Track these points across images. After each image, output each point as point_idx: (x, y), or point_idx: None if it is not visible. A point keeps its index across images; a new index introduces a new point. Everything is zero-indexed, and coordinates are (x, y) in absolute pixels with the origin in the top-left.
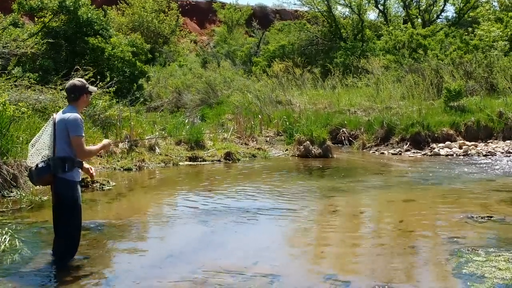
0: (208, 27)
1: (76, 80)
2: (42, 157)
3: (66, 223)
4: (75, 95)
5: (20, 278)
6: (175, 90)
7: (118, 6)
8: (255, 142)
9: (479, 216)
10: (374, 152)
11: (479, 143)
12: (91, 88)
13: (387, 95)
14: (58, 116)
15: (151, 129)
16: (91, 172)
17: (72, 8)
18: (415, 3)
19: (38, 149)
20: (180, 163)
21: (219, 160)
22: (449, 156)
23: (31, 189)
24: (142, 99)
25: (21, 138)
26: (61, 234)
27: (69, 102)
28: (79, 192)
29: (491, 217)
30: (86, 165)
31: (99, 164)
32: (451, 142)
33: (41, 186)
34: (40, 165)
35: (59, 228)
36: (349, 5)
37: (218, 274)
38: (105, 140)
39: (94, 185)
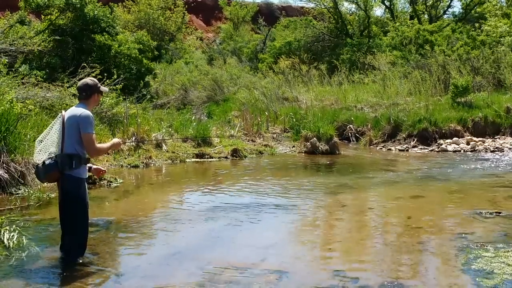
0: (214, 24)
1: (88, 79)
2: (48, 154)
3: (73, 220)
4: (87, 94)
5: (28, 275)
6: (182, 87)
7: (124, 3)
8: (261, 139)
9: (487, 212)
10: (381, 148)
11: (487, 139)
12: (103, 88)
13: (394, 91)
14: (68, 113)
15: (158, 126)
16: (102, 170)
17: (78, 6)
18: None
19: (45, 146)
20: (187, 160)
21: (226, 157)
22: (457, 152)
23: (39, 187)
24: (148, 96)
25: (28, 136)
26: (69, 231)
27: (80, 100)
28: (86, 189)
29: (500, 213)
30: (94, 166)
31: (107, 161)
32: (459, 138)
33: (48, 183)
34: (47, 162)
35: (67, 225)
36: (355, 1)
37: (226, 270)
38: (114, 139)
39: (101, 182)
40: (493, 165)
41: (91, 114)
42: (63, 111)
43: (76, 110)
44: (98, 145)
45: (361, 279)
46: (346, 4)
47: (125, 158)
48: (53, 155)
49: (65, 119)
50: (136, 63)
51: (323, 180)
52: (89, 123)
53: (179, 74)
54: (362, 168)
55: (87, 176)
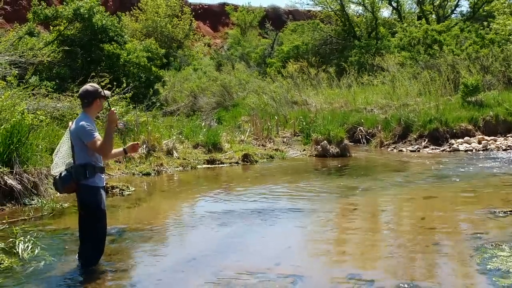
0: (221, 30)
1: (88, 85)
2: (66, 165)
3: (91, 229)
4: (88, 101)
5: (43, 285)
6: (191, 93)
7: (131, 12)
8: (272, 143)
9: (501, 211)
10: (392, 149)
11: (498, 137)
12: (105, 92)
13: (404, 92)
14: (73, 124)
15: (168, 133)
16: (136, 144)
17: (86, 16)
18: None
19: (61, 158)
20: (198, 167)
21: (237, 162)
22: (469, 152)
23: (52, 197)
24: (158, 104)
25: (40, 146)
26: (86, 239)
27: (83, 108)
28: (103, 197)
29: None
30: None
31: (118, 169)
32: (470, 137)
33: (62, 194)
34: (63, 174)
35: (84, 233)
36: (362, 3)
37: (241, 275)
38: (109, 116)
39: (114, 190)
40: (505, 163)
41: (86, 122)
42: (70, 123)
43: (76, 121)
44: (101, 143)
45: (376, 281)
46: (353, 6)
47: (137, 166)
48: (69, 166)
49: (71, 131)
50: (145, 71)
51: (335, 183)
52: (86, 131)
53: (187, 81)
54: (373, 170)
55: (103, 184)
